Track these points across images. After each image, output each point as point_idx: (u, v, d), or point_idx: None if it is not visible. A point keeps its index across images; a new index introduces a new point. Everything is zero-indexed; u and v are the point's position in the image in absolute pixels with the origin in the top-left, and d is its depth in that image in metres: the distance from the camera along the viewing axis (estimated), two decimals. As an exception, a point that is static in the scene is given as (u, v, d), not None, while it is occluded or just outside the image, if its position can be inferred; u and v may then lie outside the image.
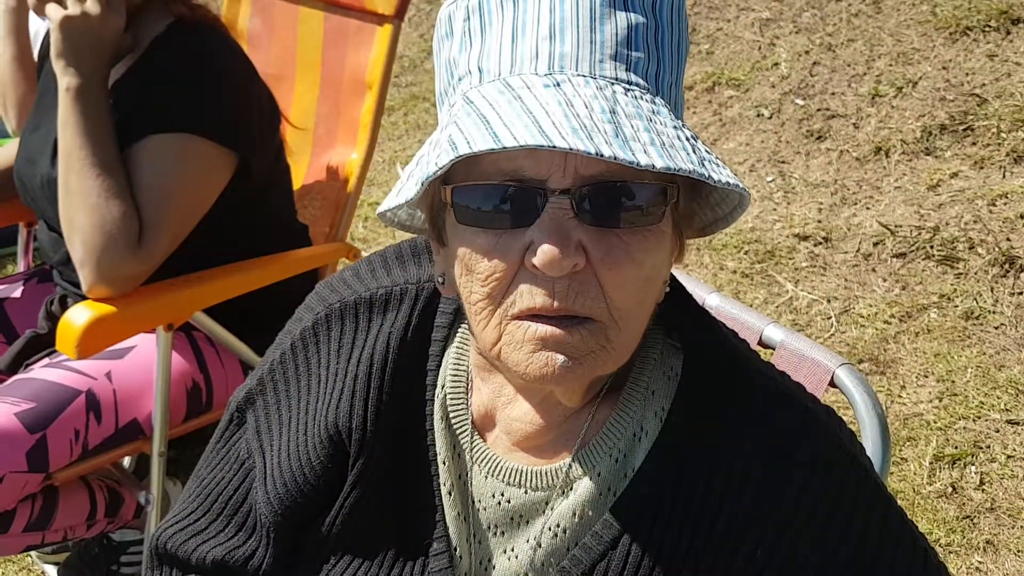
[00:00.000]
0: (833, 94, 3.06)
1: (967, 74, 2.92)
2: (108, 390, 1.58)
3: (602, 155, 0.61)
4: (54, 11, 1.46)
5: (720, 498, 0.76)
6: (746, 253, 2.62)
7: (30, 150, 1.67)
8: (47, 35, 1.79)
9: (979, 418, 2.09)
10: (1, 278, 1.89)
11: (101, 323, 1.45)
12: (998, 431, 2.06)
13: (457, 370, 0.85)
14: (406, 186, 0.70)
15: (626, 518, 0.77)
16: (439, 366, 0.85)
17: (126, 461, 1.98)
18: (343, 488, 0.84)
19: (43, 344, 1.64)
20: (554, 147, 0.61)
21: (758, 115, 3.12)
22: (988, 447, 2.05)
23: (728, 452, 0.76)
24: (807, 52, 3.24)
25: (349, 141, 1.96)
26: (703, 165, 0.65)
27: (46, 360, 1.60)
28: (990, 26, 3.02)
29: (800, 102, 3.09)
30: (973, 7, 3.08)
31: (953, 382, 2.16)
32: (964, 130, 2.76)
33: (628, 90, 0.67)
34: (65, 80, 1.46)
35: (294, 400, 0.88)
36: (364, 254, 2.00)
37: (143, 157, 1.50)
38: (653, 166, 0.62)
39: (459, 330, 0.86)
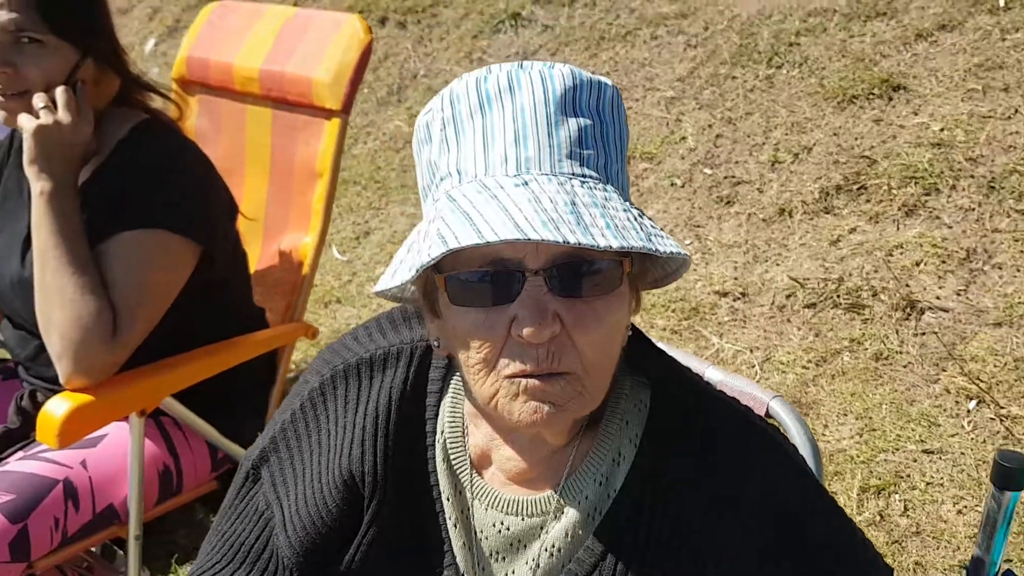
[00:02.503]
0: (737, 162, 3.32)
1: (856, 138, 3.21)
2: (84, 477, 1.63)
3: (568, 243, 0.73)
4: (27, 121, 1.55)
5: (692, 509, 0.88)
6: (673, 311, 2.81)
7: (-4, 252, 1.73)
8: (4, 144, 1.87)
9: (897, 450, 2.28)
10: (-39, 378, 1.91)
11: (80, 412, 1.51)
12: (916, 460, 2.25)
13: (454, 417, 0.96)
14: (400, 270, 0.83)
15: (612, 533, 0.89)
16: (437, 415, 0.96)
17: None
18: (359, 528, 0.94)
19: (15, 438, 1.68)
20: (529, 240, 0.73)
21: (672, 184, 3.35)
22: (908, 476, 2.23)
23: (696, 468, 0.89)
24: (710, 126, 3.51)
25: (302, 226, 2.08)
26: (650, 240, 0.78)
27: (20, 453, 1.64)
28: (873, 93, 3.33)
29: (708, 171, 3.34)
30: (857, 77, 3.40)
31: (871, 418, 2.35)
32: (858, 189, 3.03)
33: (584, 182, 0.80)
34: (39, 185, 1.55)
35: (306, 454, 0.98)
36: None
37: (114, 253, 1.59)
38: (611, 246, 0.75)
39: (452, 382, 0.98)
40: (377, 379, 0.97)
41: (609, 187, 0.82)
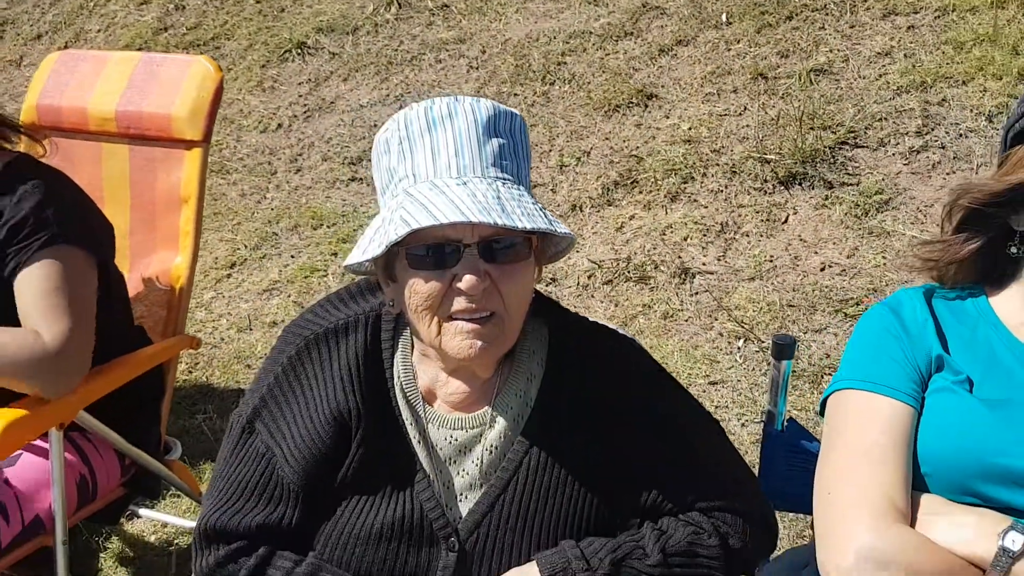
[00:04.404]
0: (531, 168, 3.79)
1: (624, 141, 3.78)
2: (9, 494, 1.76)
3: (497, 224, 1.06)
4: None
5: (590, 401, 1.24)
6: (495, 300, 3.22)
7: None
8: None
9: (690, 385, 2.81)
10: None
11: (15, 426, 1.66)
12: (705, 392, 2.79)
13: (405, 365, 1.28)
14: (369, 248, 1.13)
15: (534, 431, 1.24)
16: (392, 365, 1.28)
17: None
18: (348, 451, 1.23)
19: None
20: (469, 221, 1.06)
21: (476, 191, 3.77)
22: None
23: (587, 372, 1.26)
24: (502, 137, 3.97)
25: (171, 248, 2.26)
26: (551, 224, 1.13)
27: (-55, 478, 1.74)
28: (632, 102, 3.92)
29: (506, 177, 3.79)
30: (617, 89, 3.98)
31: (666, 364, 2.86)
32: (631, 183, 3.59)
33: (504, 183, 1.12)
34: None
35: (295, 404, 1.26)
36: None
37: (23, 280, 1.73)
38: (525, 227, 1.09)
39: (400, 340, 1.29)
40: (343, 343, 1.27)
41: (521, 187, 1.16)
